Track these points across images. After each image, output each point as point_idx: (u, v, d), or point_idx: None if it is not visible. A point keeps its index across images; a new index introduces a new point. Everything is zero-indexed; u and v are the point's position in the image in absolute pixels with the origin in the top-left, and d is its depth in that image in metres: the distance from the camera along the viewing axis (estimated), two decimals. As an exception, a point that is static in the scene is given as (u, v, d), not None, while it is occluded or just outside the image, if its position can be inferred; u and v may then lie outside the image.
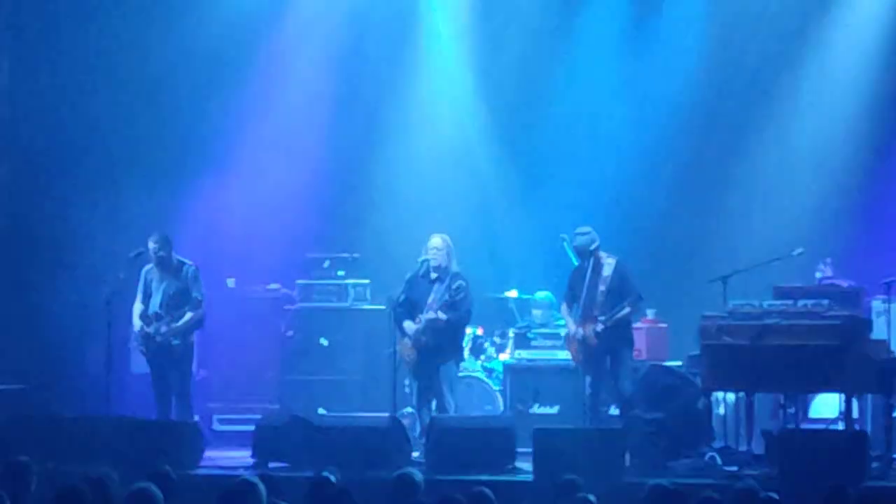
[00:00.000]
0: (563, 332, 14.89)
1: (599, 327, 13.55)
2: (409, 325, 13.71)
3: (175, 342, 14.02)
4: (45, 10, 16.31)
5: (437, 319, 13.64)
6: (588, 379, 13.79)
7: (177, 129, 16.43)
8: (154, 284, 14.18)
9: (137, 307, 14.19)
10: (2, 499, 8.57)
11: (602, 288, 13.65)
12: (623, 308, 13.59)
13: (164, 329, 14.00)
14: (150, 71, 16.28)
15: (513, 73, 16.83)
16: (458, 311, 13.74)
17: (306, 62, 16.89)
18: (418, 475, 9.39)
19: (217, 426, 15.66)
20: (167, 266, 14.15)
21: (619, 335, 13.70)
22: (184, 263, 14.23)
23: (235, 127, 16.55)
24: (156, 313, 14.10)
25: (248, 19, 16.61)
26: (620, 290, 13.64)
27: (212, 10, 16.43)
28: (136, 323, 14.16)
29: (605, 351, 13.67)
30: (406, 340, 13.72)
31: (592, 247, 13.69)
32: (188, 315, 14.01)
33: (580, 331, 13.63)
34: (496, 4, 16.86)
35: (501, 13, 16.82)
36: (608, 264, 13.73)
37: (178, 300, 14.08)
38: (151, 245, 14.13)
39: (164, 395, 14.05)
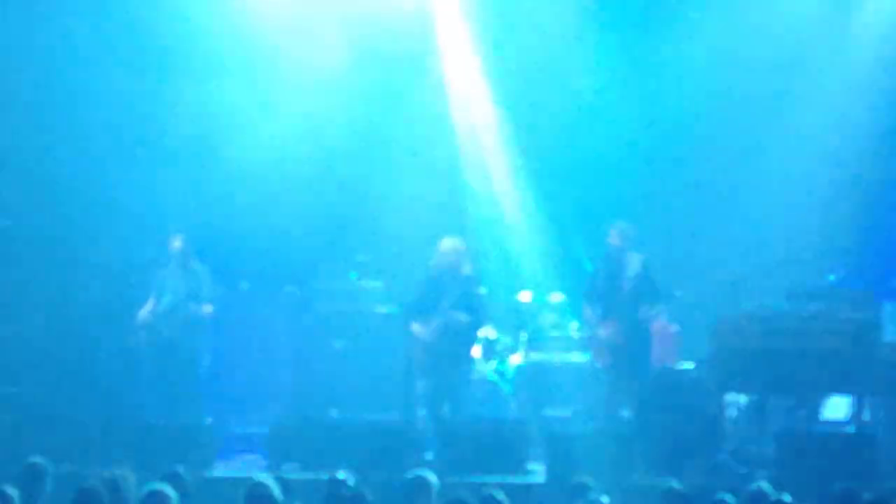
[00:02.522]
0: (577, 334, 14.93)
1: (641, 316, 13.50)
2: (417, 328, 13.76)
3: (186, 336, 14.10)
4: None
5: (456, 320, 13.68)
6: (607, 380, 13.80)
7: (189, 132, 16.46)
8: (168, 283, 14.28)
9: (149, 306, 14.27)
10: (9, 497, 8.62)
11: (627, 287, 13.67)
12: (659, 306, 13.61)
13: (189, 308, 14.05)
14: (162, 68, 16.34)
15: (526, 74, 16.84)
16: (475, 315, 13.78)
17: (318, 62, 16.93)
18: (433, 477, 9.43)
19: (231, 427, 15.69)
20: (185, 266, 14.25)
21: (637, 337, 13.72)
22: (199, 266, 14.33)
23: (248, 128, 16.59)
24: (167, 309, 14.17)
25: (266, 19, 16.65)
26: (646, 289, 13.64)
27: (228, 7, 16.49)
28: (143, 314, 14.21)
29: (623, 352, 13.67)
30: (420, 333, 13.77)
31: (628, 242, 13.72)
32: (206, 307, 14.12)
33: (605, 330, 13.62)
34: (508, 7, 16.89)
35: (514, 16, 16.85)
36: (634, 263, 13.74)
37: (188, 299, 14.18)
38: (176, 244, 14.23)
39: (169, 394, 14.13)
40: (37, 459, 9.26)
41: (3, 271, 15.76)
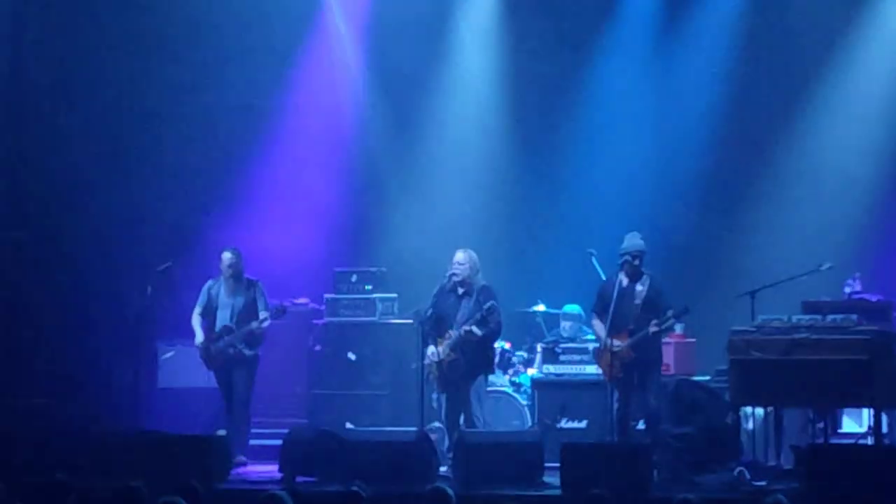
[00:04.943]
0: (591, 346, 14.87)
1: (653, 329, 13.44)
2: (431, 350, 13.72)
3: (248, 352, 14.13)
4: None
5: (470, 333, 13.64)
6: (616, 393, 13.74)
7: (197, 140, 16.49)
8: (222, 299, 14.26)
9: (197, 319, 14.27)
10: None
11: (637, 302, 13.62)
12: (669, 320, 13.55)
13: (251, 328, 14.06)
14: (175, 79, 16.38)
15: (540, 87, 16.87)
16: (489, 326, 13.75)
17: (333, 76, 16.97)
18: (451, 490, 9.38)
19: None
20: (238, 280, 14.22)
21: (649, 350, 13.65)
22: (252, 279, 14.32)
23: (262, 141, 16.61)
24: (226, 326, 14.18)
25: (275, 35, 16.67)
26: (656, 304, 13.59)
27: (239, 22, 16.51)
28: (199, 336, 14.22)
29: (635, 365, 13.61)
30: (434, 353, 13.72)
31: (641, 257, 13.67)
32: (264, 323, 14.14)
33: (615, 344, 13.56)
34: (523, 19, 16.89)
35: (528, 27, 16.85)
36: (643, 279, 13.69)
37: (247, 314, 14.18)
38: (228, 257, 14.21)
39: (232, 404, 14.20)
40: (61, 476, 9.21)
41: (22, 282, 15.79)
